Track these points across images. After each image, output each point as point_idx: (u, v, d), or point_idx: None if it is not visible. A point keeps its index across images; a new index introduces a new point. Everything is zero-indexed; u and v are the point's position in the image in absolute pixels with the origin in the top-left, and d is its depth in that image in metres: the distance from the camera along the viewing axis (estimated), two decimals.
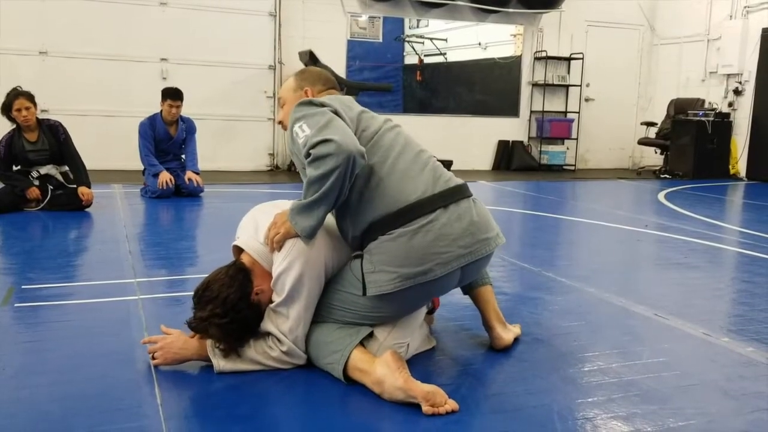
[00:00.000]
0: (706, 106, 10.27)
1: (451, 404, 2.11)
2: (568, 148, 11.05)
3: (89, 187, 5.71)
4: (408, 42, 13.63)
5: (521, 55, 11.01)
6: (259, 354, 2.36)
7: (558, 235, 5.60)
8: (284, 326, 2.33)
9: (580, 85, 11.01)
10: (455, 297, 3.08)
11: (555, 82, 10.90)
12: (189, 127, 6.82)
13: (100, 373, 2.34)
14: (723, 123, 10.04)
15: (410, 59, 13.83)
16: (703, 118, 9.89)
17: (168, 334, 2.41)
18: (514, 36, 11.48)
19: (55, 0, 8.35)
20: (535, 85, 10.94)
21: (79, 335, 2.73)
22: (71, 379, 2.28)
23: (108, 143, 8.41)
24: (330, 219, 2.44)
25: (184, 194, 6.61)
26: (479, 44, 12.68)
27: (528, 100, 11.00)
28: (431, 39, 13.36)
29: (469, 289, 2.71)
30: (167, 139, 6.70)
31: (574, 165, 11.02)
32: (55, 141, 5.67)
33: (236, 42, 9.09)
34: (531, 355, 2.65)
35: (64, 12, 8.39)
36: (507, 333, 2.71)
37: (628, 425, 2.07)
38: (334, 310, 2.38)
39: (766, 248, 4.87)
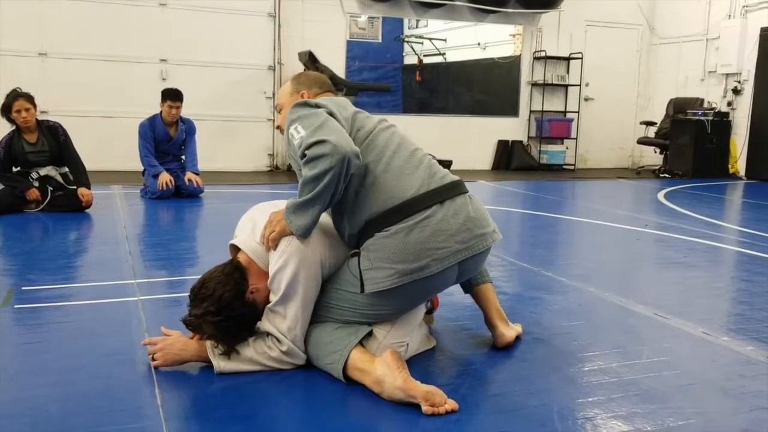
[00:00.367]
0: (705, 105, 10.28)
1: (451, 404, 2.11)
2: (567, 148, 11.06)
3: (89, 188, 5.72)
4: (407, 42, 13.63)
5: (520, 54, 11.01)
6: (258, 354, 2.36)
7: (557, 234, 5.60)
8: (282, 326, 2.33)
9: (580, 85, 11.02)
10: (455, 297, 3.08)
11: (554, 82, 10.91)
12: (189, 128, 6.82)
13: (101, 374, 2.34)
14: (722, 122, 10.04)
15: (409, 59, 13.83)
16: (702, 118, 9.90)
17: (168, 336, 2.42)
18: (514, 36, 11.49)
19: (54, 1, 8.36)
20: (534, 84, 10.95)
21: (79, 336, 2.73)
22: (71, 380, 2.28)
23: (108, 144, 8.41)
24: (326, 218, 2.45)
25: (184, 195, 6.62)
26: (478, 44, 12.68)
27: (527, 99, 11.01)
28: (430, 39, 13.36)
29: (470, 288, 2.71)
30: (167, 140, 6.71)
31: (574, 164, 11.02)
32: (55, 142, 5.67)
33: (236, 43, 9.10)
34: (531, 354, 2.65)
35: (64, 13, 8.39)
36: (509, 331, 2.71)
37: (628, 424, 2.07)
38: (332, 309, 2.39)
39: (765, 247, 4.87)
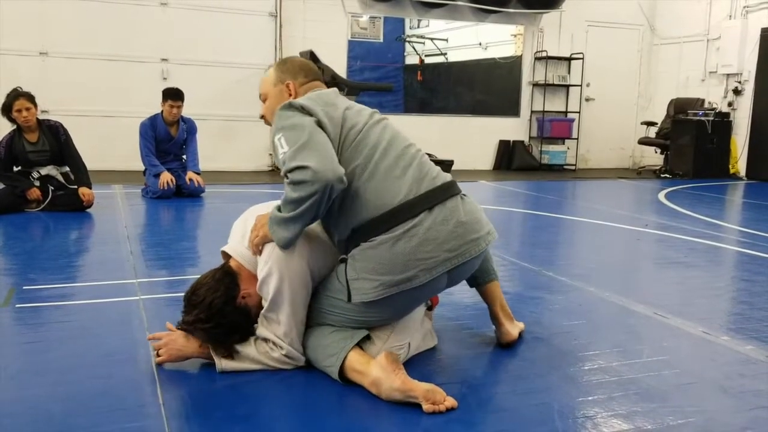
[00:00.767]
0: (706, 105, 10.28)
1: (450, 401, 2.11)
2: (568, 148, 11.06)
3: (90, 188, 5.72)
4: (409, 42, 13.62)
5: (522, 55, 11.01)
6: (261, 354, 2.36)
7: (558, 234, 5.60)
8: (278, 331, 2.33)
9: (581, 85, 11.02)
10: (455, 296, 3.09)
11: (555, 82, 10.91)
12: (190, 128, 6.83)
13: (102, 373, 2.34)
14: (723, 122, 10.04)
15: (411, 59, 13.82)
16: (702, 118, 9.90)
17: (172, 332, 2.42)
18: (515, 36, 11.48)
19: (55, 0, 8.36)
20: (535, 85, 10.95)
21: (81, 335, 2.74)
22: (73, 379, 2.28)
23: (108, 144, 8.43)
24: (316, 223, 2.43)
25: (185, 194, 6.62)
26: (480, 44, 12.67)
27: (528, 99, 11.01)
28: (432, 39, 13.36)
29: (476, 285, 2.69)
30: (168, 140, 6.71)
31: (575, 165, 11.02)
32: (56, 142, 5.67)
33: (237, 42, 9.10)
34: (531, 353, 2.66)
35: (65, 12, 8.40)
36: (514, 328, 2.71)
37: (628, 423, 2.08)
38: (326, 315, 2.37)
39: (765, 247, 4.87)
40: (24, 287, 3.40)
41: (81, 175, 5.74)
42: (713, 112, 10.00)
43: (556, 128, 10.86)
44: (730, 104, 10.26)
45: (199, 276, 2.45)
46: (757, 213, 7.01)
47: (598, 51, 11.00)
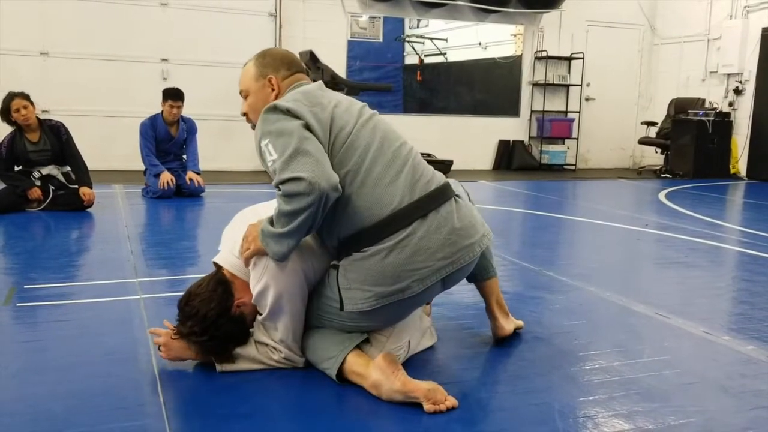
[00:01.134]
0: (707, 105, 10.27)
1: (451, 401, 2.11)
2: (568, 148, 11.05)
3: (91, 188, 5.72)
4: (408, 42, 13.61)
5: (521, 54, 11.00)
6: (261, 354, 2.36)
7: (558, 234, 5.60)
8: (276, 337, 2.33)
9: (581, 85, 11.01)
10: (456, 296, 3.09)
11: (555, 82, 10.90)
12: (190, 128, 6.83)
13: (102, 372, 2.34)
14: (723, 122, 10.04)
15: (410, 59, 13.81)
16: (703, 118, 9.90)
17: (171, 331, 2.40)
18: (515, 36, 11.47)
19: (55, 0, 8.36)
20: (535, 84, 10.94)
21: (81, 335, 2.74)
22: (73, 378, 2.28)
23: (109, 144, 8.43)
24: None
25: (185, 194, 6.62)
26: (479, 44, 12.66)
27: (528, 99, 11.00)
28: (431, 39, 13.35)
29: (476, 282, 2.67)
30: (168, 140, 6.71)
31: (575, 164, 11.02)
32: (57, 141, 5.68)
33: (237, 42, 9.09)
34: (532, 353, 2.65)
35: (65, 12, 8.40)
36: (508, 324, 2.71)
37: (629, 423, 2.08)
38: (321, 319, 2.35)
39: (766, 247, 4.87)
40: (25, 286, 3.40)
41: (82, 174, 5.74)
42: (714, 112, 10.00)
43: (556, 128, 10.85)
44: (730, 104, 10.26)
45: (195, 279, 2.43)
46: (757, 213, 7.01)
47: (598, 51, 10.99)
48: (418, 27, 13.41)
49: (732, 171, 10.21)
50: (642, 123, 11.00)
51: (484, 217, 2.54)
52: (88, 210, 5.66)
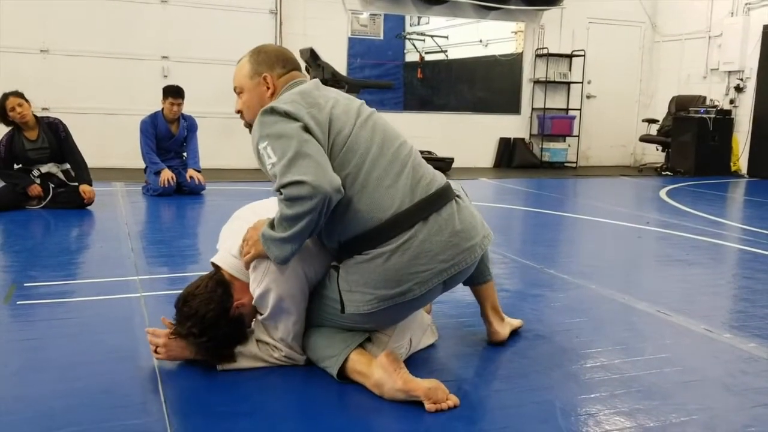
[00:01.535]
0: (708, 103, 10.26)
1: (453, 399, 2.11)
2: (569, 146, 11.04)
3: (91, 185, 5.72)
4: (409, 39, 13.61)
5: (522, 52, 10.99)
6: (262, 352, 2.36)
7: (560, 232, 5.59)
8: (276, 335, 2.33)
9: (582, 82, 11.00)
10: (457, 294, 3.08)
11: (556, 79, 10.89)
12: (190, 125, 6.82)
13: (103, 370, 2.34)
14: (724, 120, 10.02)
15: (411, 57, 13.80)
16: (704, 115, 9.88)
17: (170, 329, 2.38)
18: (515, 33, 11.45)
19: None
20: (536, 82, 10.93)
21: (82, 332, 2.73)
22: (74, 376, 2.28)
23: (109, 141, 8.42)
24: None
25: (186, 192, 6.62)
26: (480, 41, 12.65)
27: (529, 97, 10.99)
28: (432, 36, 13.33)
29: (471, 285, 2.67)
30: (168, 137, 6.71)
31: (576, 162, 11.01)
32: (55, 139, 5.67)
33: (237, 40, 9.02)
34: (533, 351, 2.65)
35: (65, 10, 8.39)
36: (503, 328, 2.70)
37: (631, 421, 2.07)
38: (322, 318, 2.35)
39: (767, 245, 4.86)
40: (25, 284, 3.40)
41: (81, 172, 5.73)
42: (715, 109, 9.98)
43: (557, 125, 10.84)
44: (731, 101, 10.24)
45: (196, 277, 2.42)
46: (758, 210, 7.00)
47: (599, 48, 10.98)
48: (418, 24, 13.41)
49: (733, 168, 10.20)
50: (643, 120, 10.98)
51: (485, 215, 2.54)
52: (89, 208, 5.66)
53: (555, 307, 3.27)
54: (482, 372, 2.48)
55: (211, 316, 2.25)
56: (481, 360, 2.57)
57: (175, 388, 2.22)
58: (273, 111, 2.20)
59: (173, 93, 6.57)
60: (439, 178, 2.33)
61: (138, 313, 2.99)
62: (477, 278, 2.62)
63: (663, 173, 10.20)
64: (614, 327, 3.00)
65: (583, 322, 3.04)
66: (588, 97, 11.20)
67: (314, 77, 2.46)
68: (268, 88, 2.38)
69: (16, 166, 5.65)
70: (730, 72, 10.25)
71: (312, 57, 8.39)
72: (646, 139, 10.77)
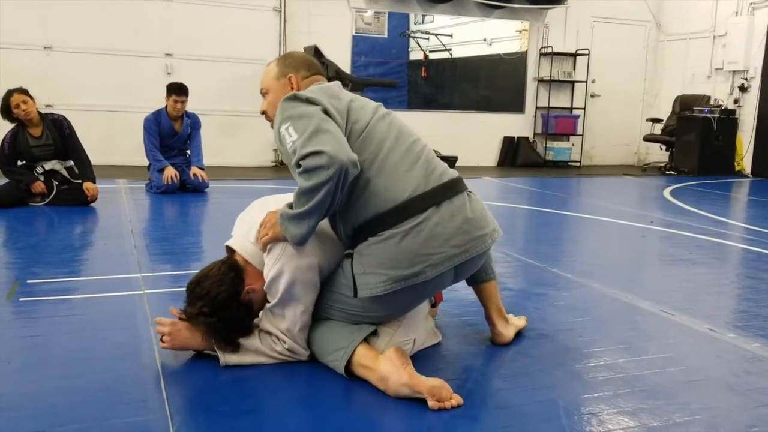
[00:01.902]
0: (712, 102, 10.24)
1: (456, 399, 2.10)
2: (573, 145, 11.03)
3: (94, 182, 5.72)
4: (413, 38, 13.59)
5: (527, 51, 10.98)
6: (264, 346, 2.36)
7: (563, 231, 5.59)
8: (282, 326, 2.33)
9: (586, 81, 10.98)
10: (460, 293, 3.08)
11: (560, 78, 10.87)
12: (194, 123, 6.83)
13: (106, 367, 2.34)
14: (728, 119, 10.01)
15: (415, 55, 13.79)
16: (708, 115, 9.87)
17: (177, 323, 2.39)
18: (520, 32, 11.44)
19: None
20: (540, 81, 10.92)
21: (84, 329, 2.73)
22: (76, 373, 2.28)
23: (112, 138, 8.42)
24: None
25: (189, 189, 6.62)
26: (484, 40, 12.63)
27: (533, 96, 10.98)
28: (436, 35, 13.32)
29: (473, 284, 2.68)
30: (172, 135, 6.71)
31: (580, 161, 11.00)
32: (60, 136, 5.67)
33: (241, 37, 9.09)
34: (536, 350, 2.65)
35: (68, 7, 8.39)
36: (508, 329, 2.70)
37: (634, 420, 2.07)
38: (331, 310, 2.37)
39: None
40: (28, 281, 3.40)
41: (85, 169, 5.74)
42: (719, 109, 9.97)
43: (560, 125, 10.83)
44: (736, 101, 10.22)
45: (203, 267, 2.44)
46: (762, 210, 6.99)
47: (603, 47, 10.97)
48: (423, 23, 13.39)
49: (737, 168, 10.18)
50: (647, 120, 10.97)
51: None
52: (92, 205, 5.66)
53: (558, 306, 3.26)
54: (485, 370, 2.47)
55: (223, 298, 2.28)
56: (484, 359, 2.57)
57: (177, 386, 2.22)
58: (295, 97, 2.30)
59: (177, 90, 6.58)
60: (450, 172, 2.41)
61: (141, 310, 2.99)
62: (480, 276, 2.64)
63: (667, 173, 10.19)
64: (617, 326, 3.00)
65: (586, 321, 3.04)
66: (592, 96, 11.19)
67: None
68: (293, 88, 2.50)
69: (19, 163, 5.65)
70: (734, 72, 10.23)
71: (316, 55, 8.39)
72: (650, 138, 10.76)
